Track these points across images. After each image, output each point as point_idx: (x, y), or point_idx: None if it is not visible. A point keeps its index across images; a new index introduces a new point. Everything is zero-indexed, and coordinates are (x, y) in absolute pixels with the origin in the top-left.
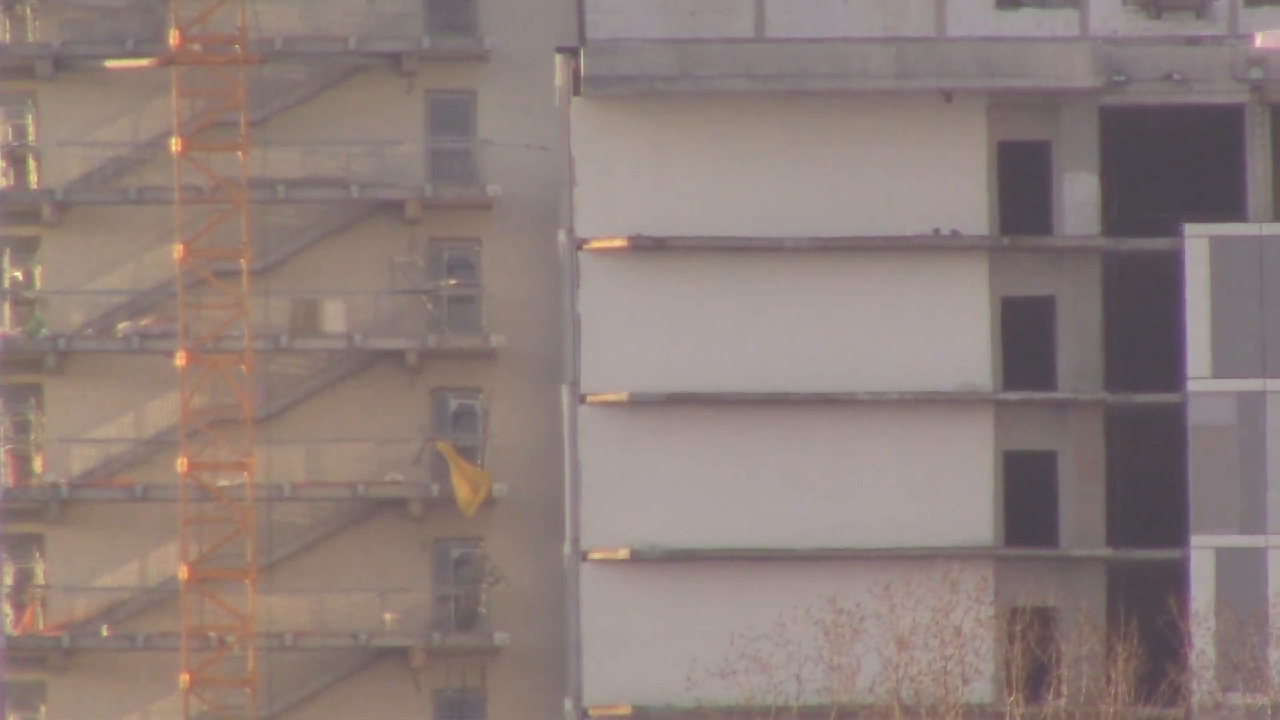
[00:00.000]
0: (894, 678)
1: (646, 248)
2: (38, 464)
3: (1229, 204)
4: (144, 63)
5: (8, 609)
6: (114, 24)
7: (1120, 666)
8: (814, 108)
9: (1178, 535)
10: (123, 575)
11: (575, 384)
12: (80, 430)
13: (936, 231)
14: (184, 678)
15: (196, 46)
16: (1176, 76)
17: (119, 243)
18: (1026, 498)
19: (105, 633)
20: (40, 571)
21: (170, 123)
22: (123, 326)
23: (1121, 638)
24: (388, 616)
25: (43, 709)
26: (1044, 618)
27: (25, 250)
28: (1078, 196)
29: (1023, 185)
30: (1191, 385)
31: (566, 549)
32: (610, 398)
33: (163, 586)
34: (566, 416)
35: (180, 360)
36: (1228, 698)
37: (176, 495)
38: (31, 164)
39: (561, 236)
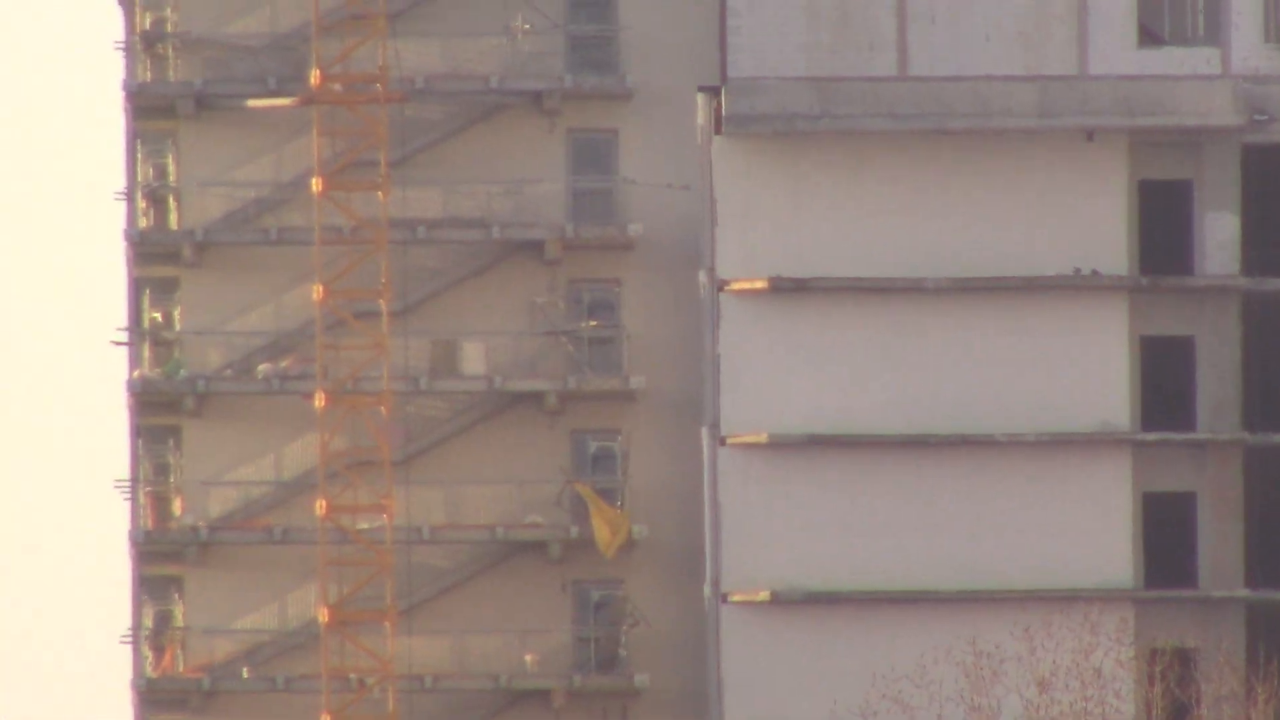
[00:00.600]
0: (1035, 719)
1: (787, 289)
2: (177, 506)
3: None
4: (285, 102)
5: (148, 651)
6: (255, 63)
7: (1261, 707)
8: (956, 146)
9: None
10: (262, 617)
11: (715, 425)
12: (219, 472)
13: (1076, 271)
14: (324, 719)
15: (337, 86)
16: None
17: (258, 283)
18: (1166, 538)
19: (245, 675)
20: (180, 614)
21: (310, 162)
22: (262, 368)
23: (1261, 679)
24: (528, 658)
25: None
26: (1184, 659)
27: (165, 291)
28: (1219, 236)
29: (1163, 224)
30: None
31: (707, 591)
32: (750, 439)
33: (303, 629)
34: (706, 458)
35: (319, 401)
36: None
37: (316, 537)
38: (172, 204)
39: (702, 277)
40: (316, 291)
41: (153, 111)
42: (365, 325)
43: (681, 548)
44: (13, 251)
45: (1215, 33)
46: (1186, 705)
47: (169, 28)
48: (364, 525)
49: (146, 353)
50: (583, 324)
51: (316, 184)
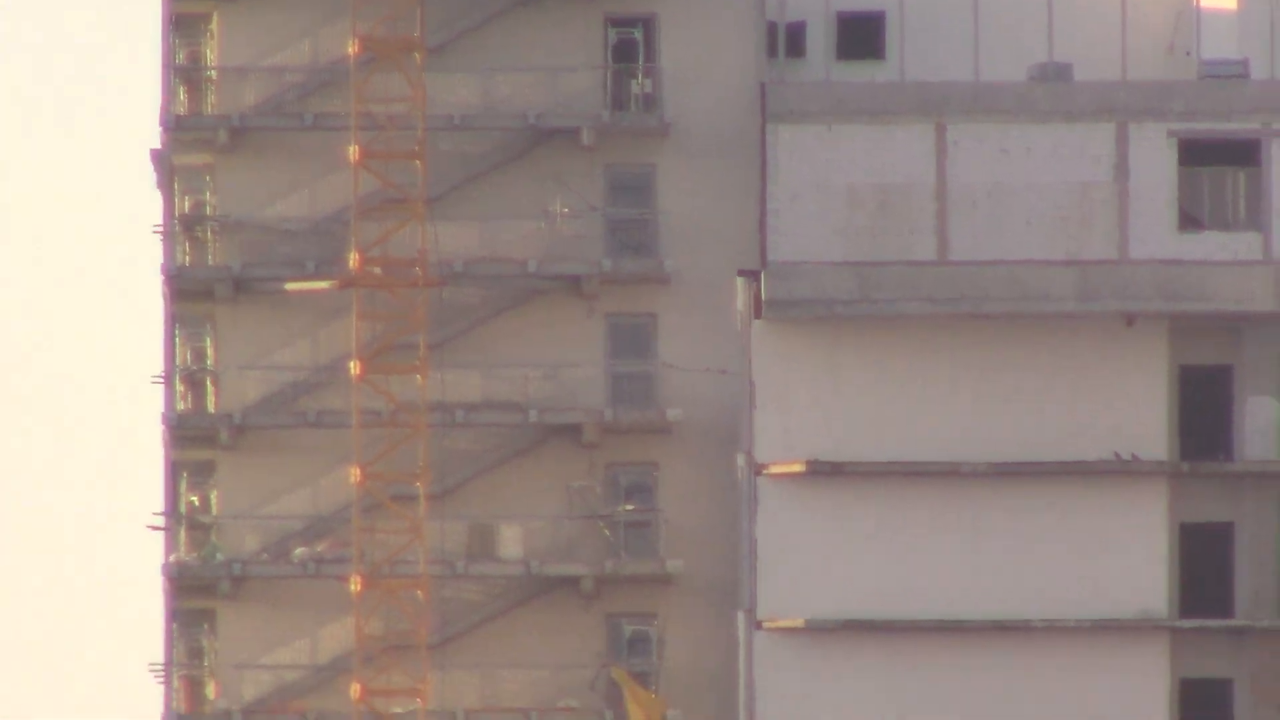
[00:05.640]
0: None
1: (825, 473)
2: (211, 690)
3: None
4: (324, 285)
5: None
6: (294, 246)
7: None
8: (995, 330)
9: None
10: None
11: (751, 610)
12: (253, 656)
13: (1116, 456)
14: None
15: (376, 269)
16: None
17: (295, 466)
18: None
19: None
20: None
21: (349, 345)
22: (298, 551)
23: None
24: None
25: None
26: None
27: (201, 474)
28: (1259, 421)
29: (1203, 409)
30: None
31: None
32: (787, 624)
33: None
34: (743, 642)
35: (355, 585)
36: None
37: None
38: (210, 387)
39: (740, 460)
40: (354, 475)
41: (191, 295)
42: (402, 508)
43: None
44: (52, 435)
45: (1256, 218)
46: None
47: (208, 211)
48: (399, 709)
49: (183, 536)
50: (619, 508)
51: (355, 367)
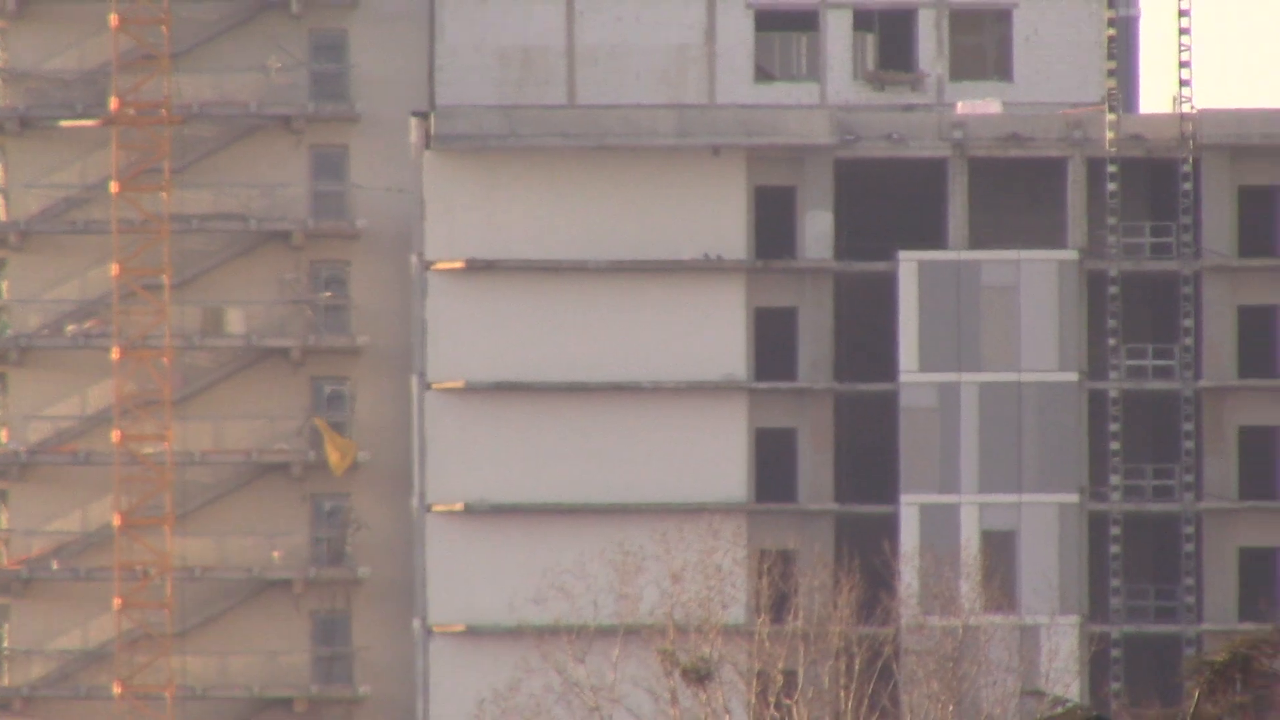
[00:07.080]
0: (669, 604)
1: (480, 268)
2: (3, 435)
3: (934, 235)
4: (90, 123)
5: None
6: (67, 92)
7: (845, 595)
8: (612, 160)
9: (891, 494)
10: (69, 522)
11: (423, 374)
12: (37, 408)
13: (705, 256)
14: (116, 602)
15: (131, 110)
16: (895, 136)
17: (69, 263)
18: (773, 464)
19: (55, 567)
20: (3, 519)
21: (110, 170)
22: (70, 329)
23: (846, 573)
24: (275, 555)
25: (6, 626)
26: (786, 558)
27: None
28: (817, 229)
29: (774, 220)
30: (903, 377)
31: (414, 503)
32: (450, 385)
33: (100, 531)
34: (415, 399)
35: (115, 354)
36: (928, 620)
37: (111, 460)
38: (1, 202)
39: (414, 259)
40: (114, 270)
41: None
42: (151, 295)
43: (395, 469)
44: None
45: (815, 71)
46: (787, 594)
47: (1, 64)
48: (149, 450)
49: None
50: (320, 295)
51: (114, 187)
